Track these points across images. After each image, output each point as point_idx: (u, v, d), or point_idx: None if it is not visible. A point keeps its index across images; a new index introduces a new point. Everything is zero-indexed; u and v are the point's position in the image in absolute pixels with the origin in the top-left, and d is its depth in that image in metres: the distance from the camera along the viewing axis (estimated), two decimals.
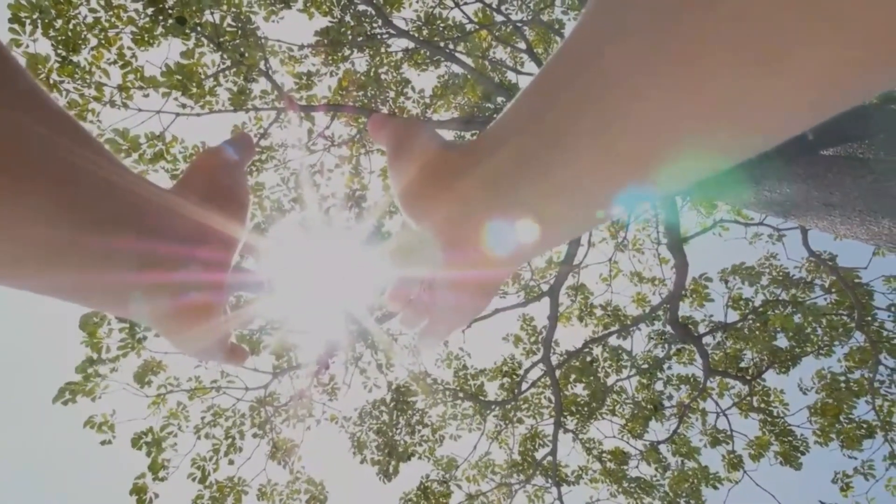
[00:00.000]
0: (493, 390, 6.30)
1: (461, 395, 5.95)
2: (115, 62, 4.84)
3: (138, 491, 5.57)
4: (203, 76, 5.31)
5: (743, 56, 0.15)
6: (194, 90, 5.29)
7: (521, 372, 6.16)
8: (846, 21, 0.13)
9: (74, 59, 4.80)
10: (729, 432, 6.04)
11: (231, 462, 5.87)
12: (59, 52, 4.74)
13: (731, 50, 0.15)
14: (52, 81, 4.74)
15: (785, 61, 0.15)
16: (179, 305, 0.32)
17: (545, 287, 5.86)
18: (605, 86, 0.19)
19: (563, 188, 0.23)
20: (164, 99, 5.28)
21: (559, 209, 0.24)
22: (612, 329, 6.13)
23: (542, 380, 6.00)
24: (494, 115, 5.91)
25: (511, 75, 6.17)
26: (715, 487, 5.88)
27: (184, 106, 5.38)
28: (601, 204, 0.23)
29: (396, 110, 5.92)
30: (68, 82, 4.87)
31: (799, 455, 5.85)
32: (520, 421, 6.17)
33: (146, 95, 5.29)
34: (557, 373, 5.92)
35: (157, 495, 5.59)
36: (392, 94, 5.82)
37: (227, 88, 5.56)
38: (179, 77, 5.18)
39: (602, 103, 0.19)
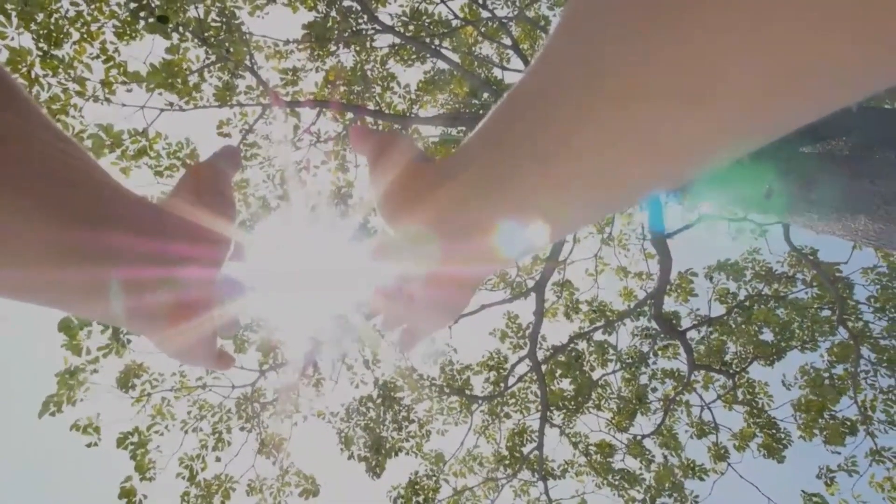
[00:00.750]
0: (479, 385, 6.34)
1: (447, 390, 5.97)
2: (97, 57, 4.79)
3: (127, 494, 5.55)
4: (188, 72, 5.27)
5: (664, 102, 0.18)
6: (179, 87, 5.25)
7: (507, 367, 6.19)
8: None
9: (57, 53, 4.75)
10: (714, 424, 6.11)
11: (218, 459, 5.86)
12: (40, 46, 4.69)
13: (655, 97, 0.18)
14: (33, 76, 4.69)
15: (702, 106, 0.17)
16: (166, 302, 0.33)
17: (531, 283, 5.89)
18: (551, 120, 0.22)
19: (518, 208, 0.26)
20: (149, 94, 5.25)
21: (517, 225, 0.27)
22: (598, 324, 6.17)
23: (529, 375, 6.04)
24: (481, 111, 5.92)
25: (497, 71, 6.18)
26: (701, 479, 5.95)
27: (171, 104, 5.34)
28: (556, 222, 0.26)
29: (383, 106, 5.91)
30: (51, 76, 4.83)
31: (782, 448, 5.93)
32: (507, 416, 6.21)
33: (129, 90, 5.25)
34: (544, 368, 5.95)
35: (146, 496, 5.57)
36: (378, 89, 5.81)
37: (213, 84, 5.53)
38: (165, 75, 5.15)
39: (547, 135, 0.22)
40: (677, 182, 0.22)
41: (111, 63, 5.06)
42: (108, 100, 5.09)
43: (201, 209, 0.35)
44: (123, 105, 5.22)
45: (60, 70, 4.77)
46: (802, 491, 5.72)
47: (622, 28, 0.18)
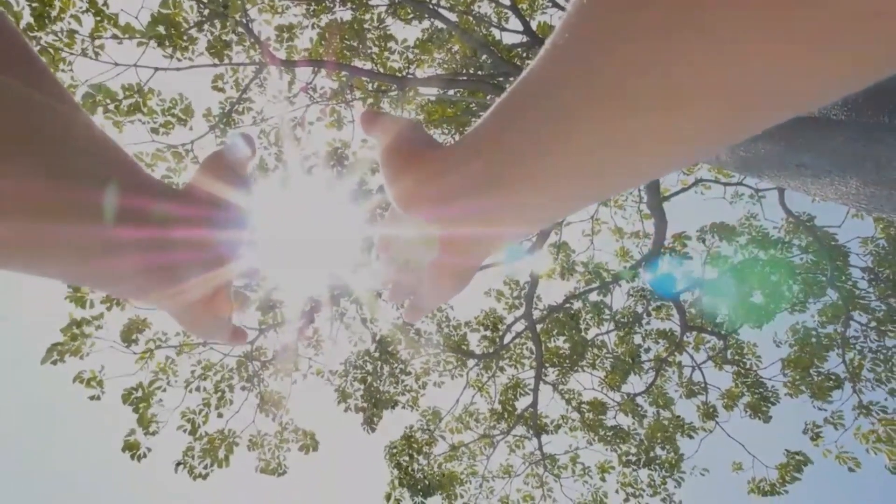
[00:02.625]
0: (475, 341, 6.45)
1: (444, 346, 6.08)
2: (87, 10, 4.70)
3: (131, 447, 5.68)
4: (185, 25, 5.19)
5: (659, 105, 0.20)
6: (175, 41, 5.18)
7: (503, 326, 6.28)
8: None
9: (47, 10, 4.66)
10: (704, 384, 6.24)
11: (220, 415, 5.99)
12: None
13: (650, 101, 0.20)
14: (21, 28, 4.62)
15: (686, 106, 0.20)
16: (188, 264, 0.34)
17: (528, 244, 5.93)
18: (552, 119, 0.24)
19: (520, 197, 0.28)
20: (142, 49, 5.17)
21: (517, 214, 0.30)
22: (594, 285, 6.25)
23: (525, 333, 6.14)
24: (479, 73, 5.86)
25: (496, 32, 6.08)
26: (690, 437, 6.11)
27: (169, 57, 5.26)
28: (554, 209, 0.30)
29: (379, 65, 5.84)
30: (40, 31, 4.75)
31: (768, 407, 6.07)
32: (501, 370, 6.34)
33: (120, 43, 5.16)
34: (539, 327, 6.05)
35: (149, 450, 5.71)
36: (375, 49, 5.73)
37: (207, 39, 5.45)
38: (162, 28, 5.07)
39: (549, 132, 0.24)
40: (666, 174, 0.26)
41: (101, 16, 4.97)
42: (97, 53, 5.02)
43: (221, 188, 0.37)
44: (115, 64, 5.14)
45: (48, 23, 4.69)
46: (786, 450, 5.90)
47: (622, 35, 0.20)
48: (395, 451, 6.05)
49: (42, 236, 0.27)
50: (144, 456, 5.72)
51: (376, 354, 5.81)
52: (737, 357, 6.25)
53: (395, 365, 5.90)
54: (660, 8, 0.18)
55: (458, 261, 0.36)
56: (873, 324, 5.85)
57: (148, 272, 0.33)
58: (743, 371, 6.19)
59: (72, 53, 4.98)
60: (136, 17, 5.06)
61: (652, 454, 6.06)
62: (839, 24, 0.15)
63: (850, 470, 5.49)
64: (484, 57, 5.76)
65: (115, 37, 5.05)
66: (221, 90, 5.58)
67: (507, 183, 0.28)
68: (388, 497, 5.97)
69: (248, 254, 0.41)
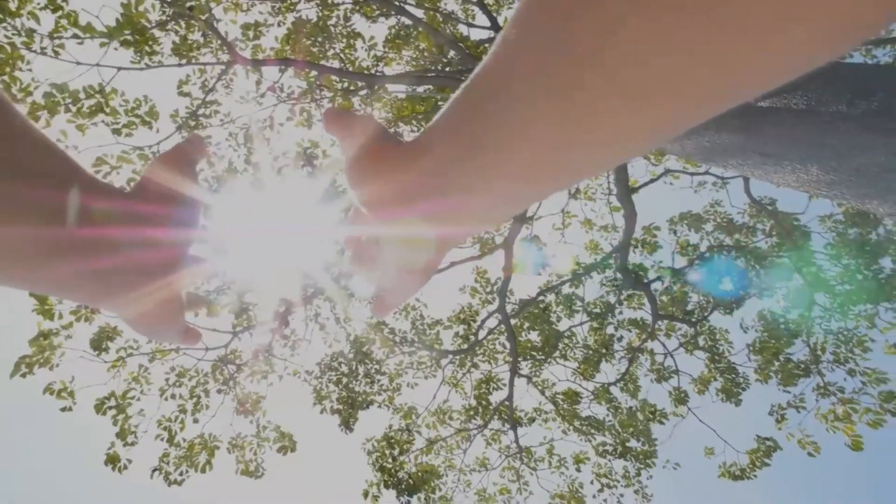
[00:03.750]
0: (449, 339, 6.47)
1: (418, 344, 6.10)
2: (45, 7, 4.58)
3: (112, 460, 5.61)
4: (149, 25, 5.10)
5: (606, 98, 0.22)
6: (141, 45, 5.09)
7: (477, 321, 6.33)
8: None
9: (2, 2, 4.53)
10: (675, 369, 6.37)
11: (196, 420, 5.93)
12: None
13: (599, 93, 0.22)
14: None
15: (637, 98, 0.21)
16: (136, 264, 0.34)
17: (499, 240, 5.98)
18: (509, 111, 0.25)
19: (478, 189, 0.29)
20: (103, 49, 5.07)
21: (476, 204, 0.30)
22: (565, 278, 6.32)
23: (498, 328, 6.19)
24: (447, 70, 5.87)
25: (463, 28, 6.10)
26: (661, 423, 6.23)
27: (137, 62, 5.17)
28: (511, 200, 0.30)
29: (347, 64, 5.82)
30: None
31: (740, 391, 6.23)
32: (475, 366, 6.38)
33: (81, 43, 5.05)
34: (513, 322, 6.10)
35: (130, 461, 5.64)
36: (343, 47, 5.71)
37: (173, 41, 5.37)
38: (129, 33, 4.98)
39: (504, 125, 0.25)
40: (621, 162, 0.27)
41: (60, 13, 4.85)
42: (56, 52, 4.90)
43: (168, 189, 0.37)
44: (77, 63, 5.04)
45: (5, 20, 4.57)
46: (757, 436, 6.07)
47: (571, 32, 0.21)
48: (377, 453, 6.06)
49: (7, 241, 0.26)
50: (125, 468, 5.66)
51: (351, 355, 5.81)
52: (709, 343, 6.39)
53: (370, 365, 5.91)
54: (607, 3, 0.19)
55: (419, 257, 0.37)
56: (836, 305, 6.02)
57: (98, 276, 0.33)
58: (716, 357, 6.33)
59: (31, 51, 4.86)
60: (98, 17, 4.96)
61: (627, 445, 6.17)
62: (772, 17, 0.17)
63: (810, 455, 5.66)
64: (452, 53, 5.78)
65: (75, 36, 4.94)
66: (188, 95, 5.50)
67: (464, 178, 0.29)
68: (366, 494, 5.98)
69: (199, 254, 0.41)
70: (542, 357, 6.24)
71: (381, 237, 0.39)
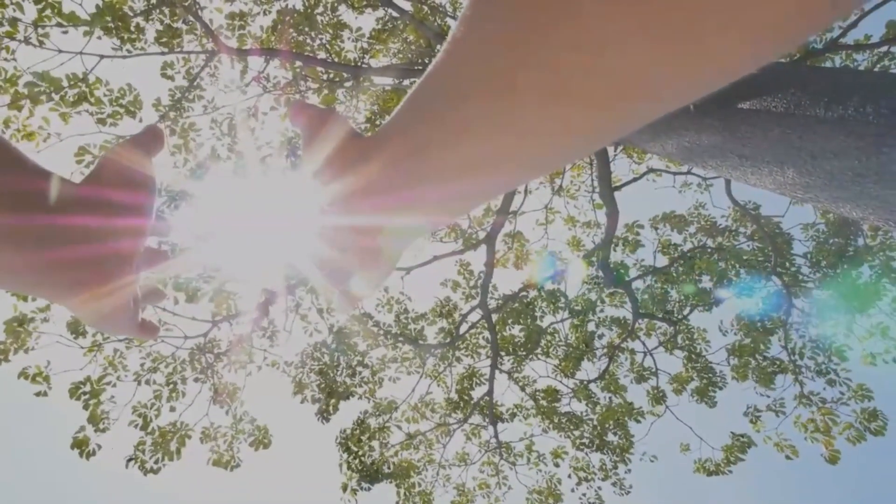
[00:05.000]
0: (432, 333, 6.47)
1: (401, 339, 6.10)
2: None
3: (80, 444, 5.54)
4: (132, 14, 5.06)
5: (537, 98, 0.23)
6: (123, 32, 5.05)
7: (459, 315, 6.34)
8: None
9: None
10: (654, 369, 6.42)
11: (173, 409, 5.89)
12: None
13: (534, 88, 0.22)
14: None
15: (574, 96, 0.22)
16: (87, 257, 0.33)
17: (482, 235, 5.99)
18: (453, 110, 0.26)
19: (429, 183, 0.30)
20: (87, 38, 5.03)
21: (430, 197, 0.31)
22: (548, 274, 6.35)
23: (480, 322, 6.21)
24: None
25: (451, 21, 6.10)
26: (638, 421, 6.28)
27: (118, 48, 5.12)
28: (463, 194, 0.31)
29: (333, 55, 5.80)
30: None
31: (715, 392, 6.28)
32: (457, 360, 6.40)
33: (66, 32, 5.01)
34: (495, 317, 6.12)
35: (99, 447, 5.58)
36: (328, 37, 5.69)
37: (157, 28, 5.33)
38: (109, 17, 4.93)
39: (449, 123, 0.27)
40: (567, 162, 0.28)
41: (43, 3, 4.81)
42: (41, 41, 4.86)
43: (122, 189, 0.37)
44: (59, 51, 4.99)
45: None
46: (731, 432, 6.13)
47: (510, 29, 0.22)
48: (346, 436, 6.04)
49: None
50: (94, 453, 5.59)
51: (333, 346, 5.79)
52: (687, 342, 6.44)
53: (352, 356, 5.90)
54: (544, 5, 0.20)
55: (380, 247, 0.38)
56: (815, 310, 6.08)
57: (45, 266, 0.32)
58: (693, 356, 6.38)
59: (14, 40, 4.81)
60: (81, 5, 4.91)
61: (605, 438, 6.21)
62: (701, 22, 0.18)
63: (788, 458, 5.72)
64: (439, 47, 5.78)
65: (59, 25, 4.90)
66: (171, 78, 5.45)
67: (416, 173, 0.30)
68: (345, 487, 5.97)
69: (154, 246, 0.41)
70: (524, 353, 6.27)
71: (339, 226, 0.39)
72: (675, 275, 6.41)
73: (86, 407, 5.58)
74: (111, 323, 0.40)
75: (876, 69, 5.65)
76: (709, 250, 6.52)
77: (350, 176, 0.33)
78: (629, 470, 6.43)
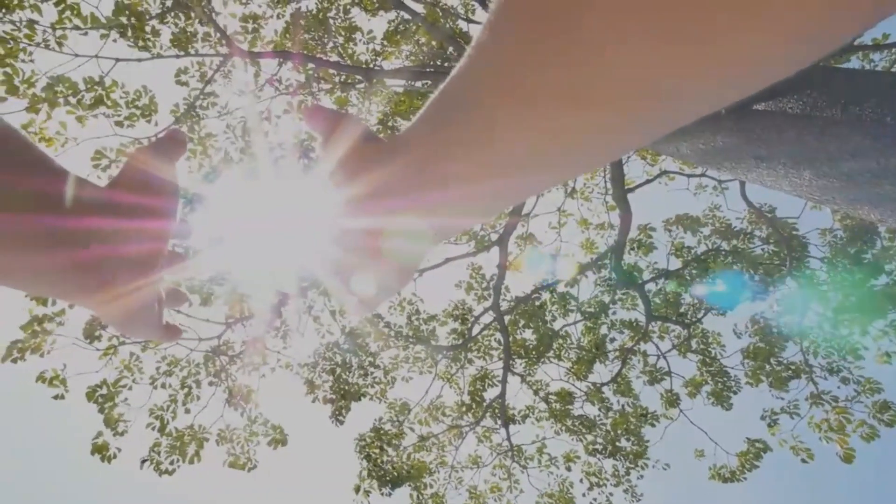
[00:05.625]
0: (444, 334, 6.47)
1: (413, 339, 6.10)
2: None
3: (99, 449, 5.59)
4: (148, 15, 5.11)
5: (558, 104, 0.22)
6: (139, 33, 5.10)
7: (472, 317, 6.33)
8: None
9: None
10: (667, 371, 6.36)
11: (188, 411, 5.93)
12: None
13: (557, 95, 0.22)
14: None
15: (597, 103, 0.22)
16: (114, 258, 0.34)
17: (494, 237, 5.98)
18: (473, 117, 0.26)
19: (450, 191, 0.30)
20: (103, 41, 5.08)
21: (450, 206, 0.31)
22: (560, 276, 6.32)
23: (493, 324, 6.19)
24: (445, 65, 5.87)
25: (462, 23, 6.10)
26: (652, 425, 6.23)
27: (134, 47, 5.17)
28: (486, 202, 0.31)
29: (346, 57, 5.82)
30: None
31: (730, 395, 6.22)
32: (470, 362, 6.39)
33: (85, 34, 5.06)
34: (507, 318, 6.10)
35: (119, 450, 5.62)
36: (341, 39, 5.71)
37: (172, 31, 5.37)
38: (125, 18, 4.98)
39: (475, 124, 0.26)
40: (588, 170, 0.28)
41: (63, 5, 4.87)
42: (59, 44, 4.92)
43: (145, 184, 0.37)
44: (76, 55, 5.04)
45: (7, 13, 4.58)
46: (747, 438, 6.07)
47: (533, 36, 0.21)
48: (364, 443, 6.06)
49: None
50: (114, 457, 5.64)
51: (345, 346, 5.81)
52: (701, 346, 6.38)
53: (364, 357, 5.91)
54: (568, 11, 0.20)
55: (400, 251, 0.37)
56: (829, 313, 6.00)
57: (73, 270, 0.32)
58: (707, 360, 6.33)
59: (31, 44, 4.87)
60: (97, 7, 4.97)
61: (617, 444, 6.17)
62: (723, 26, 0.17)
63: (804, 461, 5.65)
64: (451, 49, 5.78)
65: (76, 27, 4.95)
66: (185, 84, 5.51)
67: (438, 176, 0.30)
68: (357, 489, 5.99)
69: (177, 249, 0.41)
70: (535, 357, 6.24)
71: (356, 231, 0.39)
72: (688, 278, 6.36)
73: (101, 410, 5.63)
74: (136, 324, 0.40)
75: (894, 69, 5.58)
76: (723, 252, 6.46)
77: (370, 178, 0.33)
78: (641, 476, 6.39)
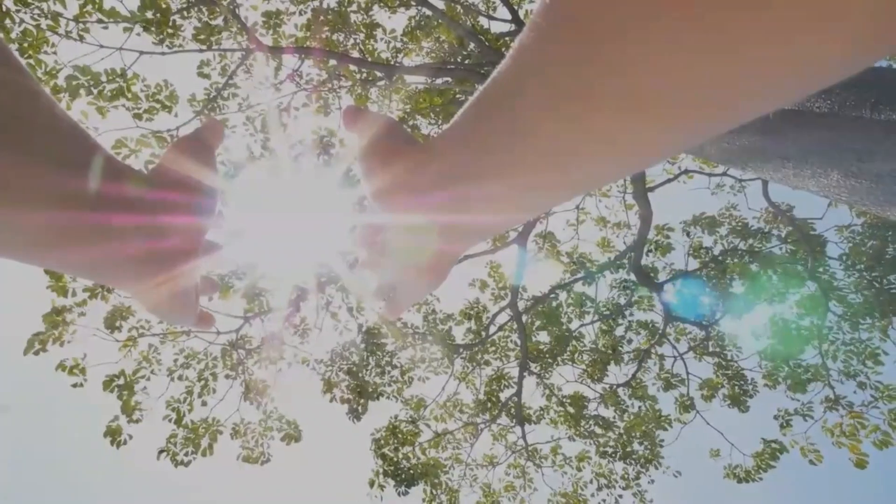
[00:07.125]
0: (460, 333, 6.47)
1: (430, 339, 6.11)
2: None
3: (112, 433, 5.65)
4: (172, 10, 5.13)
5: (614, 109, 0.22)
6: (163, 27, 5.12)
7: (488, 316, 6.33)
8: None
9: None
10: (682, 377, 6.33)
11: (204, 403, 5.97)
12: None
13: (604, 100, 0.22)
14: (5, 9, 4.53)
15: (646, 108, 0.21)
16: (155, 249, 0.34)
17: (513, 234, 5.97)
18: (516, 119, 0.26)
19: (489, 193, 0.30)
20: (126, 34, 5.10)
21: (489, 207, 0.31)
22: (578, 276, 6.30)
23: (509, 324, 6.19)
24: (466, 62, 5.85)
25: (483, 20, 6.07)
26: (665, 429, 6.20)
27: (157, 43, 5.19)
28: (525, 204, 0.31)
29: (367, 54, 5.81)
30: (23, 11, 4.66)
31: (747, 398, 6.18)
32: (486, 363, 6.39)
33: (106, 28, 5.09)
34: (524, 318, 6.09)
35: (131, 437, 5.67)
36: (362, 36, 5.70)
37: (195, 26, 5.39)
38: (150, 13, 5.00)
39: (513, 131, 0.26)
40: (629, 173, 0.28)
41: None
42: (81, 36, 4.94)
43: (187, 175, 0.37)
44: (100, 46, 5.07)
45: (33, 3, 4.61)
46: (763, 438, 6.03)
47: (581, 39, 0.21)
48: (380, 442, 6.08)
49: (24, 221, 0.27)
50: (125, 443, 5.69)
51: (362, 345, 5.82)
52: (718, 348, 6.34)
53: (382, 356, 5.92)
54: (622, 13, 0.19)
55: (430, 253, 0.38)
56: (848, 315, 5.95)
57: (117, 261, 0.33)
58: (724, 363, 6.29)
59: (55, 34, 4.90)
60: (121, 2, 4.98)
61: (629, 448, 6.15)
62: (782, 28, 0.17)
63: (812, 463, 5.62)
64: (472, 46, 5.75)
65: (99, 21, 4.98)
66: (207, 76, 5.52)
67: (478, 177, 0.29)
68: (372, 483, 6.01)
69: (215, 241, 0.42)
70: (551, 360, 6.23)
71: (393, 233, 0.39)
72: (706, 278, 6.32)
73: (120, 398, 5.68)
74: (175, 311, 0.41)
75: None
76: (740, 252, 6.41)
77: (406, 181, 0.33)
78: (652, 481, 6.37)
